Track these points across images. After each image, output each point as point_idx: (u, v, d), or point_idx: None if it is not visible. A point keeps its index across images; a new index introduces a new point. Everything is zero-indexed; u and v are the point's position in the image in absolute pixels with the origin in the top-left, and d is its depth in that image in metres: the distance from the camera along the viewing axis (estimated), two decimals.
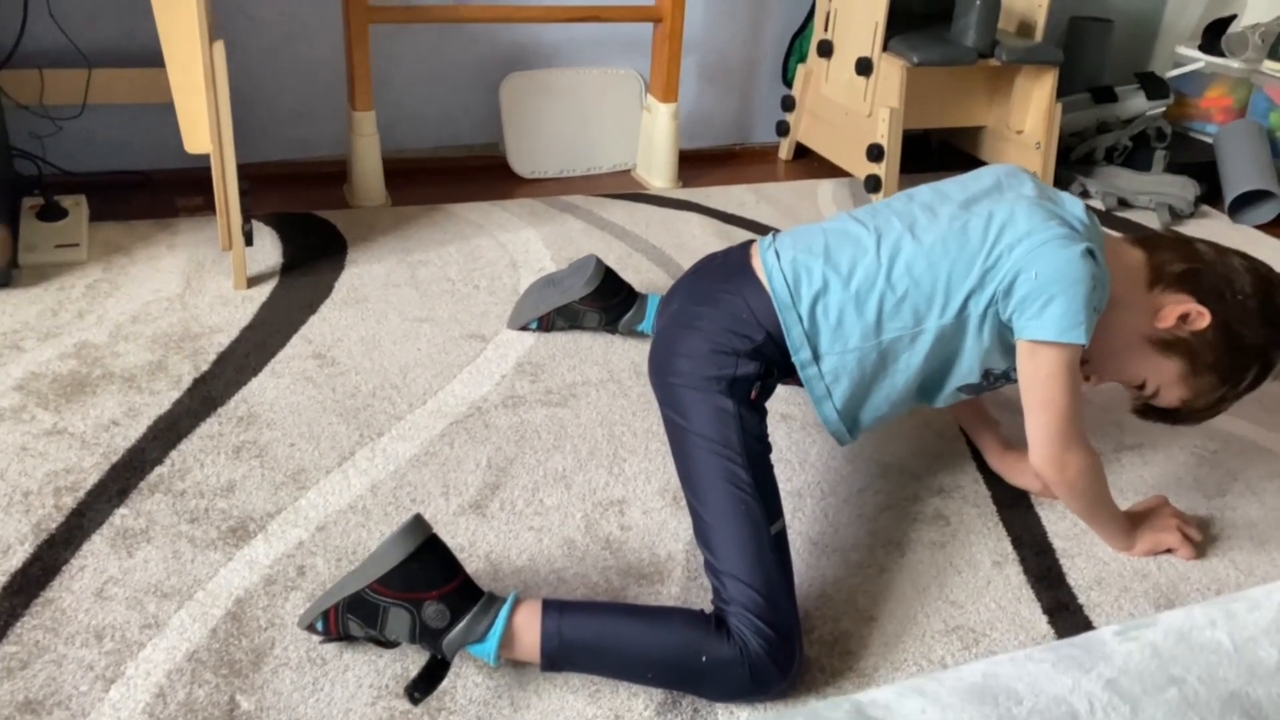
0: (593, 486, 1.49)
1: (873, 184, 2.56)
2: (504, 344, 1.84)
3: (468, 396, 1.68)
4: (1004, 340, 1.30)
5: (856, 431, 1.38)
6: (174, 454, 1.48)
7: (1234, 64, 3.00)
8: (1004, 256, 1.26)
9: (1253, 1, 3.30)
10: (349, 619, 1.13)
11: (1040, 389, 1.28)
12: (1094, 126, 2.98)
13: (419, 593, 1.11)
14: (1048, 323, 1.23)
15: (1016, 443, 1.60)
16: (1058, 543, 1.46)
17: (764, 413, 1.31)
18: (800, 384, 1.35)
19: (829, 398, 1.33)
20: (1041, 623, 1.31)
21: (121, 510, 1.36)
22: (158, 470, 1.44)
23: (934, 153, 3.07)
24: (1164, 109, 3.06)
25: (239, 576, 1.27)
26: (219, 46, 1.75)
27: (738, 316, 1.31)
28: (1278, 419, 1.81)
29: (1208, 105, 3.14)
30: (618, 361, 1.81)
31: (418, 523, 1.14)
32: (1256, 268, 1.35)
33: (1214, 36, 3.08)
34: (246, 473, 1.46)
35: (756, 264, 1.35)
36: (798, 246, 1.34)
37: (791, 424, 1.67)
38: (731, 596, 1.16)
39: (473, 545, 1.35)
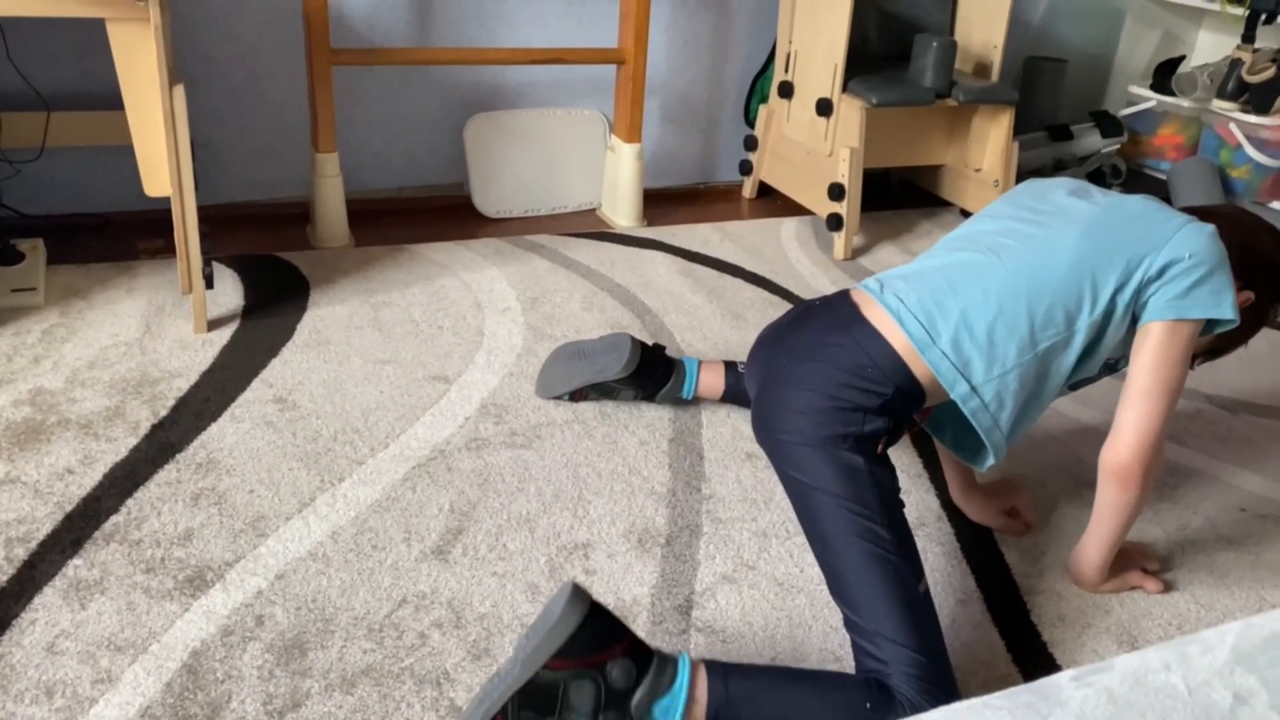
0: (557, 530, 1.48)
1: (834, 222, 2.59)
2: (467, 385, 1.84)
3: (430, 439, 1.67)
4: (1134, 329, 1.31)
5: (1009, 446, 1.34)
6: (130, 502, 1.46)
7: (1184, 103, 3.07)
8: (1145, 243, 1.28)
9: (1200, 43, 3.39)
10: (524, 716, 1.04)
11: (1166, 372, 1.28)
12: (1051, 164, 3.04)
13: (603, 653, 1.06)
14: (1198, 300, 1.27)
15: (981, 480, 1.61)
16: (1021, 580, 1.46)
17: (893, 466, 1.27)
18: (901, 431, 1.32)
19: (997, 427, 1.29)
20: (1005, 661, 1.31)
21: (75, 561, 1.34)
22: (113, 519, 1.42)
23: (894, 191, 3.11)
24: (1118, 146, 3.13)
25: (195, 628, 1.24)
26: (179, 90, 1.75)
27: (860, 371, 1.26)
28: (1235, 452, 1.83)
29: (1160, 143, 3.21)
30: (583, 403, 1.81)
31: (577, 589, 1.08)
32: (1264, 226, 1.43)
33: (1164, 76, 3.16)
34: (205, 520, 1.43)
35: (872, 312, 1.31)
36: (918, 288, 1.31)
37: (756, 463, 1.67)
38: (889, 658, 1.13)
39: (434, 592, 1.34)
